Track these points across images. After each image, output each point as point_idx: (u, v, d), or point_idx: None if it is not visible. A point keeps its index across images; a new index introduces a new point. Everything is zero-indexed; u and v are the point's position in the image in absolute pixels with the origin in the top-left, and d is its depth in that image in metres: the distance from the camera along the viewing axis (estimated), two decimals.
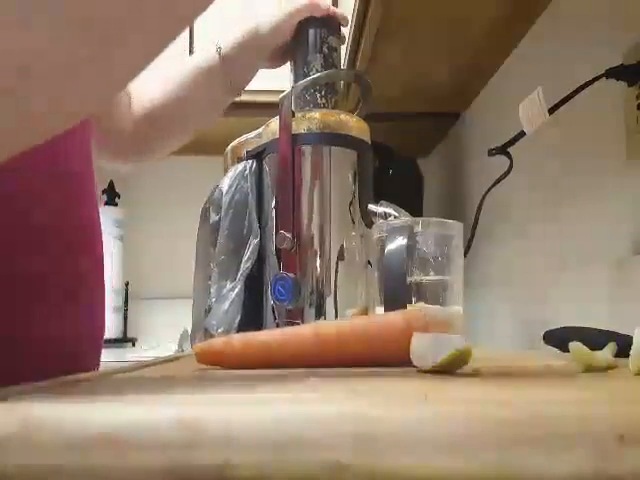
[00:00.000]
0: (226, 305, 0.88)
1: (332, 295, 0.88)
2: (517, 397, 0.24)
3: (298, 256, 0.87)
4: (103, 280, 0.58)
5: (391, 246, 0.65)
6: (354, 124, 0.92)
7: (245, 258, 0.88)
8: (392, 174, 1.38)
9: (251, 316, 0.88)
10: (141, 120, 0.78)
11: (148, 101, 0.78)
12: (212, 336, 0.89)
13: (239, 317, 0.87)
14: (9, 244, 0.44)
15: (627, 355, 0.36)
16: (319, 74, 0.89)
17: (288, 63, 0.90)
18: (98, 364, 0.58)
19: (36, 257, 0.46)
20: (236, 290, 0.87)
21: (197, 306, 0.95)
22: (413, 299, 0.66)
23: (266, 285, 0.88)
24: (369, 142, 0.94)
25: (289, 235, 0.85)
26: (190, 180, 1.76)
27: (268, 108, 0.95)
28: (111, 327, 1.59)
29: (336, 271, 0.88)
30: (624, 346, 0.46)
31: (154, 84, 0.79)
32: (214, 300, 0.90)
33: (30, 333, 0.45)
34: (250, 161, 0.92)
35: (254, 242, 0.87)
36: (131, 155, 0.83)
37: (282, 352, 0.40)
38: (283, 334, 0.43)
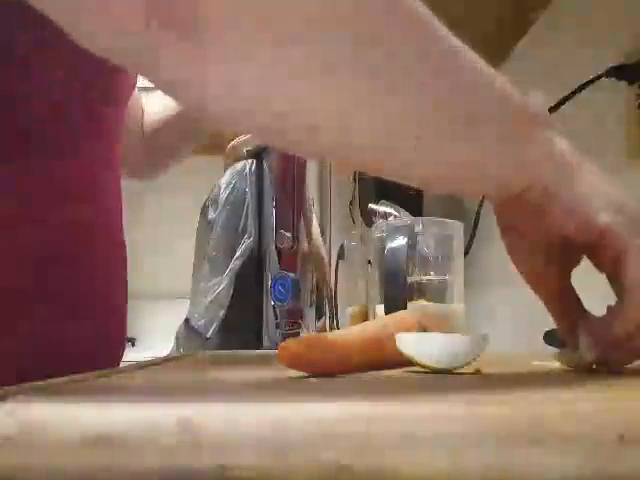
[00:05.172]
0: (210, 298, 0.88)
1: (332, 294, 0.88)
2: (517, 397, 0.24)
3: (298, 255, 0.86)
4: (124, 281, 0.58)
5: (391, 245, 0.65)
6: None
7: (236, 255, 0.88)
8: None
9: (239, 312, 0.88)
10: (151, 135, 0.76)
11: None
12: (193, 328, 0.89)
13: (223, 311, 0.86)
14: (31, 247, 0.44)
15: None
16: None
17: None
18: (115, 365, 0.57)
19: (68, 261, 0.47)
20: (222, 285, 0.87)
21: (193, 304, 0.95)
22: (413, 298, 0.66)
23: (266, 284, 0.88)
24: None
25: (289, 234, 0.85)
26: (190, 179, 1.76)
27: None
28: None
29: (336, 270, 0.88)
30: None
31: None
32: (202, 295, 0.90)
33: (40, 333, 0.45)
34: (250, 160, 0.92)
35: (247, 241, 0.87)
36: (146, 169, 0.80)
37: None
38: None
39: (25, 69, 0.44)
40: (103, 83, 0.49)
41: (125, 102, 0.55)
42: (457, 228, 0.69)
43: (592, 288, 0.81)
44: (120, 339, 0.58)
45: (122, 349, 0.58)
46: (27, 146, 0.44)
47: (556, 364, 0.41)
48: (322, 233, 0.88)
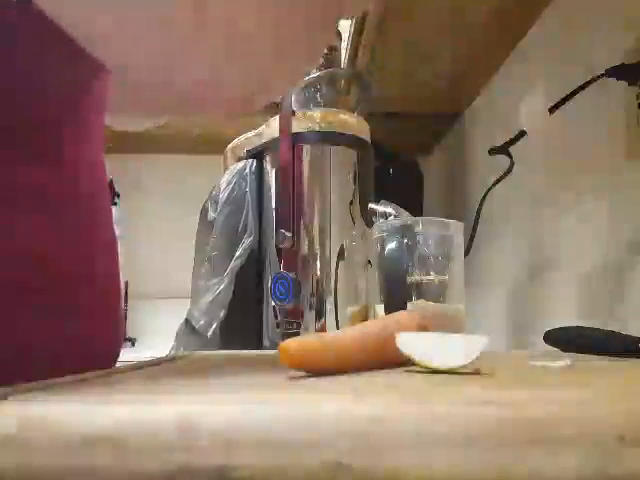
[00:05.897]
0: (209, 298, 0.88)
1: (332, 294, 0.88)
2: (517, 397, 0.24)
3: (298, 255, 0.86)
4: (116, 279, 0.58)
5: (391, 245, 0.65)
6: (354, 123, 0.92)
7: (236, 255, 0.88)
8: (392, 174, 1.38)
9: (239, 312, 0.88)
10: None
11: None
12: (193, 328, 0.89)
13: (223, 311, 0.86)
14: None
15: (628, 355, 0.36)
16: (319, 73, 0.89)
17: None
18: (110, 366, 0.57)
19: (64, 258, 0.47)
20: (222, 285, 0.87)
21: (193, 304, 0.95)
22: (413, 298, 0.66)
23: (266, 284, 0.88)
24: (369, 141, 0.94)
25: (289, 234, 0.85)
26: (190, 179, 1.76)
27: (268, 107, 0.95)
28: None
29: (336, 270, 0.89)
30: (624, 345, 0.46)
31: None
32: (201, 295, 0.90)
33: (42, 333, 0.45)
34: (250, 160, 0.92)
35: (248, 240, 0.87)
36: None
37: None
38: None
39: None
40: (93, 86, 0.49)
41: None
42: (457, 228, 0.69)
43: (595, 290, 0.81)
44: (115, 338, 0.58)
45: (118, 348, 0.58)
46: (16, 148, 0.44)
47: (556, 364, 0.41)
48: (322, 232, 0.88)
